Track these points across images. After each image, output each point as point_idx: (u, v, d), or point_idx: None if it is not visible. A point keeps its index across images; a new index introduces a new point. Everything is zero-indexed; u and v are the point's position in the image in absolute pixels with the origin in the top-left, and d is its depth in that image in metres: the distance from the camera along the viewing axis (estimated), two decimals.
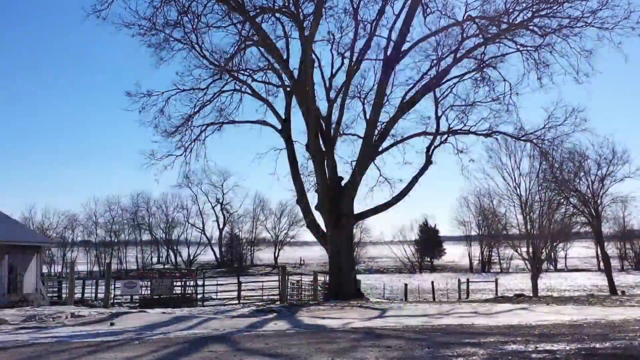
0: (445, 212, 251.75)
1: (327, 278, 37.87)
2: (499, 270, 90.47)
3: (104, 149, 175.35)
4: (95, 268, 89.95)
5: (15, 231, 30.32)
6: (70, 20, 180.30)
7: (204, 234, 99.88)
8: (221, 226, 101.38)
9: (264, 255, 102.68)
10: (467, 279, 51.69)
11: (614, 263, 71.80)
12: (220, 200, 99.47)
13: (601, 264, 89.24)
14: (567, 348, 8.89)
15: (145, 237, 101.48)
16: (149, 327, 14.97)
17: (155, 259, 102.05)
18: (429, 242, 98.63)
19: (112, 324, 16.00)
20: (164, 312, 20.17)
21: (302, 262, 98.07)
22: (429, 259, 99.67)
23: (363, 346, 9.71)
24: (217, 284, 36.13)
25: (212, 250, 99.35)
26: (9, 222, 30.87)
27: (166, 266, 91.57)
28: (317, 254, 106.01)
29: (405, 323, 14.58)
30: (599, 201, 44.79)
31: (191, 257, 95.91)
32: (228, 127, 31.68)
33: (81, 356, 9.66)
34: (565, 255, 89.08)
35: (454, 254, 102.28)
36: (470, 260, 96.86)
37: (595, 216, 44.40)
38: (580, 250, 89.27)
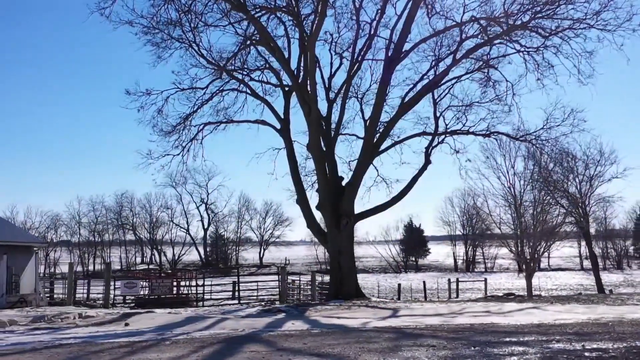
0: (430, 212, 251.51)
1: (323, 278, 38.00)
2: (484, 270, 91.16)
3: (88, 148, 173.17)
4: (79, 268, 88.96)
5: (11, 231, 29.95)
6: (58, 18, 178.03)
7: (189, 234, 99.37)
8: (206, 226, 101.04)
9: (249, 255, 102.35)
10: (457, 279, 52.09)
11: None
12: (205, 200, 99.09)
13: (584, 263, 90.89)
14: (615, 346, 8.97)
15: (129, 237, 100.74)
16: (165, 327, 14.82)
17: (139, 259, 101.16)
18: (414, 241, 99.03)
19: (126, 325, 15.82)
20: (170, 313, 20.01)
21: (287, 262, 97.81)
22: (413, 259, 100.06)
23: (406, 345, 9.70)
24: (211, 284, 35.90)
25: (197, 250, 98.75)
26: (4, 222, 30.48)
27: (150, 266, 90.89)
28: (301, 254, 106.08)
29: (425, 322, 14.58)
30: (587, 201, 45.30)
31: (176, 257, 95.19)
32: (221, 127, 31.55)
33: (123, 356, 9.53)
34: (548, 254, 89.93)
35: (439, 253, 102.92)
36: (454, 260, 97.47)
37: (583, 216, 44.90)
38: (563, 250, 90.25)
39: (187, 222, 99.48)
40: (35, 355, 9.85)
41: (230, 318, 17.37)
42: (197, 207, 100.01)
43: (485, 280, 51.69)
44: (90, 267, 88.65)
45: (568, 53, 24.71)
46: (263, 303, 27.29)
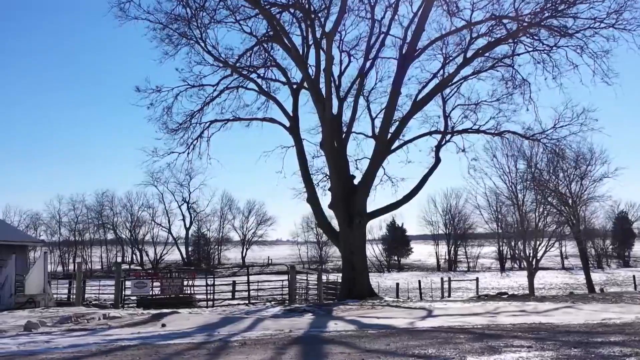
0: (413, 211, 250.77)
1: (328, 277, 37.75)
2: (466, 269, 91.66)
3: (68, 146, 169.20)
4: (59, 268, 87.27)
5: (11, 232, 29.27)
6: (53, 16, 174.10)
7: (171, 233, 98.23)
8: (188, 225, 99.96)
9: (231, 254, 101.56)
10: (449, 278, 52.16)
11: (576, 262, 73.19)
12: (187, 199, 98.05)
13: (565, 262, 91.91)
14: None
15: (110, 236, 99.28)
16: (206, 328, 14.35)
17: (120, 259, 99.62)
18: (397, 241, 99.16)
19: (163, 325, 15.31)
20: (191, 313, 19.60)
21: (270, 261, 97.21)
22: (396, 258, 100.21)
23: (499, 346, 9.42)
24: (210, 285, 35.31)
25: (179, 249, 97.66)
26: (4, 223, 29.77)
27: (132, 266, 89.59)
28: (284, 253, 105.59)
29: (472, 322, 14.32)
30: (577, 201, 45.63)
31: (158, 257, 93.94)
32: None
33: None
34: (529, 253, 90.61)
35: (421, 252, 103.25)
36: (437, 259, 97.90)
37: (574, 215, 45.26)
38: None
39: (169, 222, 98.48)
40: (112, 358, 9.37)
41: (263, 318, 16.98)
42: (179, 206, 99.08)
43: (477, 279, 51.93)
44: (71, 267, 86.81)
45: (587, 52, 24.80)
46: (273, 303, 26.97)
